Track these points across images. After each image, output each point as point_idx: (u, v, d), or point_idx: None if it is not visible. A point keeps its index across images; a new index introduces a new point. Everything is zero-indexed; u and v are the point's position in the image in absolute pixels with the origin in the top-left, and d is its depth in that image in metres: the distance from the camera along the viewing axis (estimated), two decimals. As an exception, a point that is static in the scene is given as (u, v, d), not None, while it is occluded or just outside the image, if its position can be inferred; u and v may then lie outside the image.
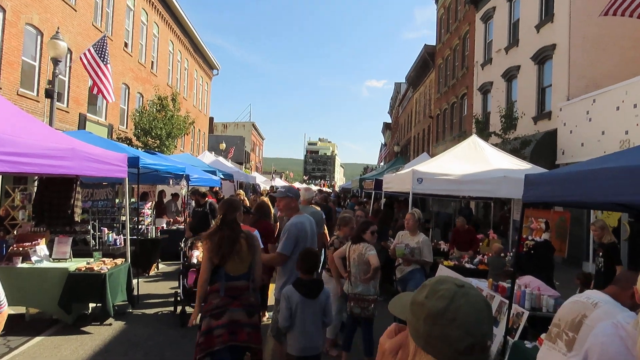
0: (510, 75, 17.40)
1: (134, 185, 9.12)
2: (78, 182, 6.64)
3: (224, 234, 3.65)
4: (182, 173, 9.77)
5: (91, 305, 6.20)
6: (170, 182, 9.79)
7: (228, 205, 3.88)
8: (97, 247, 7.45)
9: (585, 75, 13.50)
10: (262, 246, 4.54)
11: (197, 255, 7.25)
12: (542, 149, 13.37)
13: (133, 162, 7.02)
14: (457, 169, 7.80)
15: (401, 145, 36.95)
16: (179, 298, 6.57)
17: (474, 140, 9.04)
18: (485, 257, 8.08)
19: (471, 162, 8.14)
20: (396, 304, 1.20)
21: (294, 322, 3.70)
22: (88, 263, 6.02)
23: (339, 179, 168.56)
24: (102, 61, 10.45)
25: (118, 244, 7.81)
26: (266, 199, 8.03)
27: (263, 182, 30.22)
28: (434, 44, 30.09)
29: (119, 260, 6.38)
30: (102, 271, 5.74)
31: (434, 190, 7.82)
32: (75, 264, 5.95)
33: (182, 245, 7.41)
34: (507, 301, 4.84)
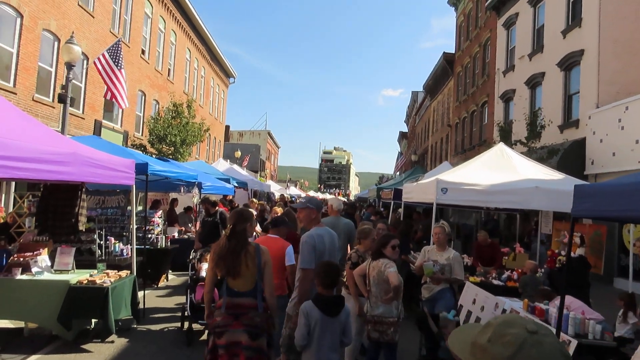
0: (534, 82, 16.79)
1: (143, 193, 8.82)
2: (83, 189, 6.32)
3: (229, 245, 3.46)
4: (194, 180, 9.44)
5: (94, 320, 5.83)
6: (182, 190, 9.46)
7: (238, 215, 3.65)
8: (103, 258, 7.12)
9: (615, 81, 12.85)
10: (292, 262, 4.31)
11: (206, 268, 6.85)
12: (569, 158, 12.73)
13: (141, 168, 6.69)
14: (484, 178, 7.29)
15: (418, 154, 36.33)
16: (186, 314, 6.17)
17: (501, 148, 8.51)
18: (514, 273, 7.51)
19: (499, 172, 7.63)
20: (455, 341, 1.09)
21: (311, 340, 3.39)
22: (91, 275, 5.67)
23: (354, 188, 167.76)
24: (117, 66, 10.24)
25: (125, 254, 7.47)
26: (279, 209, 7.65)
27: (277, 191, 29.89)
28: (453, 52, 29.54)
29: (123, 273, 6.02)
30: (105, 285, 5.38)
31: (459, 201, 7.33)
32: (78, 276, 5.60)
33: (191, 256, 7.04)
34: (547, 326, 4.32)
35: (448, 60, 29.44)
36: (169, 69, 24.40)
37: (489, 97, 21.46)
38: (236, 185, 14.41)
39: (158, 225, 9.59)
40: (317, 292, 3.55)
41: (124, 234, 9.07)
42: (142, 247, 7.76)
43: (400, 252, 6.56)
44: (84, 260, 6.63)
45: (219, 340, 3.35)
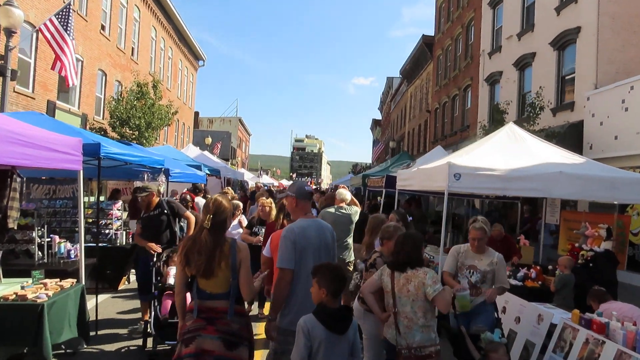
0: (523, 63, 16.00)
1: (102, 181, 7.47)
2: (15, 177, 4.97)
3: (200, 238, 3.01)
4: (160, 167, 8.11)
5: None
6: (146, 178, 8.11)
7: (217, 205, 3.14)
8: (46, 261, 5.78)
9: (615, 60, 12.13)
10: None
11: (174, 273, 5.62)
12: (566, 142, 11.88)
13: (91, 150, 5.38)
14: (500, 163, 6.29)
15: (396, 140, 35.58)
16: (149, 330, 4.95)
17: (512, 129, 7.55)
18: (532, 270, 6.59)
19: (514, 155, 6.64)
20: None
21: None
22: (22, 288, 4.37)
23: (326, 177, 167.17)
24: (67, 33, 8.72)
25: (73, 256, 6.13)
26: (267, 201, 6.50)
27: (250, 179, 28.54)
28: (432, 35, 28.65)
29: (67, 282, 4.73)
30: (39, 300, 4.09)
31: (474, 189, 6.33)
32: (3, 289, 4.29)
33: (155, 259, 5.78)
34: (629, 351, 3.33)
35: (427, 44, 28.55)
36: (132, 48, 22.54)
37: (472, 80, 20.66)
38: (208, 173, 13.07)
39: (118, 219, 8.23)
40: (320, 304, 2.84)
41: (76, 229, 7.70)
42: (96, 245, 6.43)
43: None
44: (20, 266, 5.31)
45: (186, 348, 2.91)
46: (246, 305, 3.62)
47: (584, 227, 6.79)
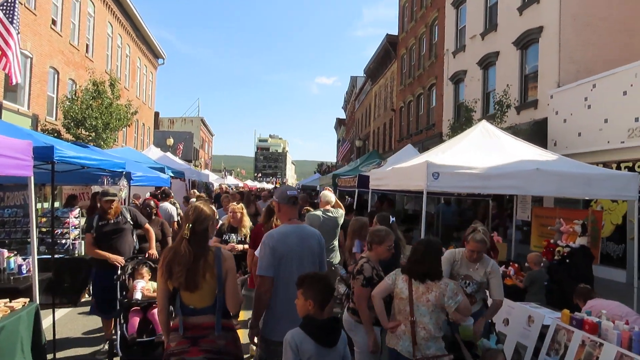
0: (487, 62, 16.26)
1: (57, 187, 6.87)
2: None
3: (180, 249, 2.81)
4: (121, 170, 7.57)
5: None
6: (106, 182, 7.56)
7: (198, 212, 2.93)
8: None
9: (576, 59, 12.46)
10: None
11: (141, 287, 5.19)
12: (530, 140, 12.12)
13: (43, 153, 4.86)
14: (477, 161, 6.21)
15: (362, 139, 35.67)
16: (115, 351, 4.51)
17: (485, 126, 7.52)
18: (510, 268, 6.55)
19: (490, 153, 6.59)
20: None
21: None
22: (-36, 311, 3.84)
23: (291, 176, 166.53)
24: (12, 26, 8.01)
25: (25, 271, 5.55)
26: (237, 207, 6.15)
27: (215, 181, 27.81)
28: (396, 34, 28.82)
29: (19, 302, 4.22)
30: (-14, 326, 3.60)
31: (452, 188, 6.21)
32: (-58, 314, 3.76)
33: (119, 272, 5.32)
34: (630, 353, 3.22)
35: (391, 43, 28.71)
36: (87, 45, 21.42)
37: (437, 79, 20.88)
38: (172, 175, 12.50)
39: (75, 228, 7.62)
40: (307, 316, 2.69)
41: (28, 240, 7.07)
42: (52, 257, 5.87)
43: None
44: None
45: None
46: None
47: (559, 223, 6.81)
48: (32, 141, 4.55)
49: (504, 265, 6.75)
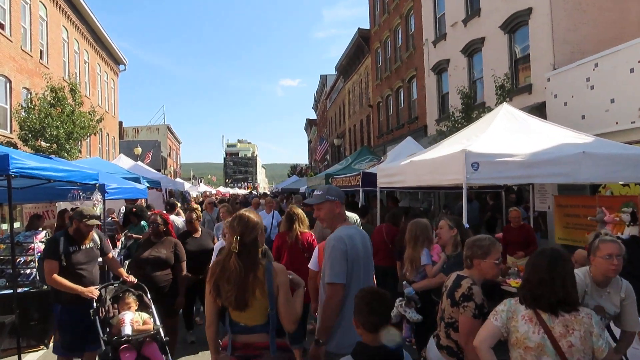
0: (472, 49, 15.70)
1: (6, 205, 5.65)
2: None
3: (229, 265, 2.53)
4: (93, 182, 6.41)
5: None
6: (75, 197, 6.38)
7: (244, 222, 2.65)
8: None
9: (569, 40, 11.98)
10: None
11: (129, 319, 4.21)
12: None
13: (-5, 164, 3.75)
14: (516, 147, 5.43)
15: (340, 138, 34.87)
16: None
17: (508, 109, 6.77)
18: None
19: (524, 138, 5.83)
20: None
21: None
22: None
23: (262, 180, 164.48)
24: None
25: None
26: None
27: (190, 189, 26.40)
28: (368, 28, 28.17)
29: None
30: None
31: (493, 179, 5.38)
32: None
33: (96, 305, 4.34)
34: None
35: (363, 37, 28.03)
36: (41, 51, 19.73)
37: (417, 70, 20.26)
38: (148, 185, 11.28)
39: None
40: (359, 342, 2.35)
41: (-16, 273, 5.84)
42: (13, 292, 4.72)
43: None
44: None
45: None
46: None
47: (601, 213, 6.09)
48: (-21, 149, 3.43)
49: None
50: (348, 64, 32.86)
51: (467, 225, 4.15)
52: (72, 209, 6.44)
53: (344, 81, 35.56)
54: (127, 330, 4.10)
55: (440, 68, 18.01)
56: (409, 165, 6.57)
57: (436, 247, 3.64)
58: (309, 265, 3.74)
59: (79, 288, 4.36)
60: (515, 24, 13.44)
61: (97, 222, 4.60)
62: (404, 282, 3.48)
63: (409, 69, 21.12)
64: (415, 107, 20.77)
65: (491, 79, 13.70)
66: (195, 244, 5.81)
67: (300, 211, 5.03)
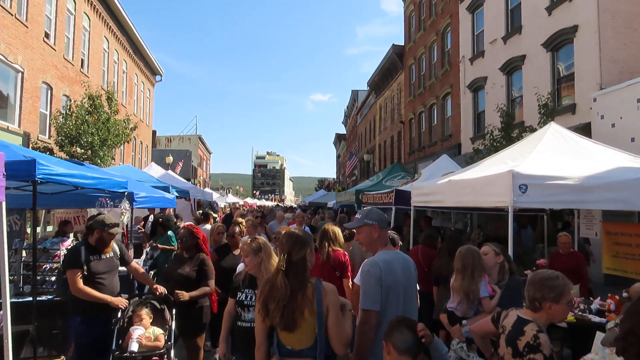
0: (512, 67, 15.22)
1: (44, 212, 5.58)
2: None
3: (277, 282, 2.50)
4: (122, 190, 6.32)
5: None
6: (104, 204, 6.30)
7: (294, 239, 2.61)
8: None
9: (617, 59, 11.42)
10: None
11: (139, 335, 4.04)
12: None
13: (22, 169, 3.64)
14: (567, 170, 5.01)
15: (370, 153, 34.51)
16: None
17: (556, 129, 6.34)
18: (611, 301, 5.28)
19: (575, 160, 5.40)
20: None
21: None
22: None
23: (289, 193, 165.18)
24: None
25: (-2, 328, 4.24)
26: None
27: (218, 199, 26.53)
28: (402, 45, 27.94)
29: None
30: None
31: (542, 203, 5.00)
32: None
33: (120, 315, 4.20)
34: None
35: (397, 54, 27.80)
36: (82, 60, 20.33)
37: (452, 87, 19.83)
38: (177, 195, 11.23)
39: (68, 261, 6.30)
40: None
41: (12, 279, 5.78)
42: (33, 300, 4.59)
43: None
44: None
45: None
46: None
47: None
48: (4, 153, 3.32)
49: (599, 297, 5.50)
50: (380, 80, 32.64)
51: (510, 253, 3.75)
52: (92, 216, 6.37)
53: (376, 97, 35.33)
54: (133, 347, 3.98)
55: (477, 85, 17.55)
56: (447, 184, 6.21)
57: (485, 277, 3.30)
58: (355, 280, 3.60)
59: (108, 297, 4.25)
60: (560, 42, 12.93)
61: (119, 230, 4.47)
62: (464, 322, 3.11)
63: (444, 86, 20.71)
64: (449, 125, 20.28)
65: (531, 97, 13.19)
66: (230, 262, 5.39)
67: (333, 229, 4.79)
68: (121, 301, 4.32)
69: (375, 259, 2.89)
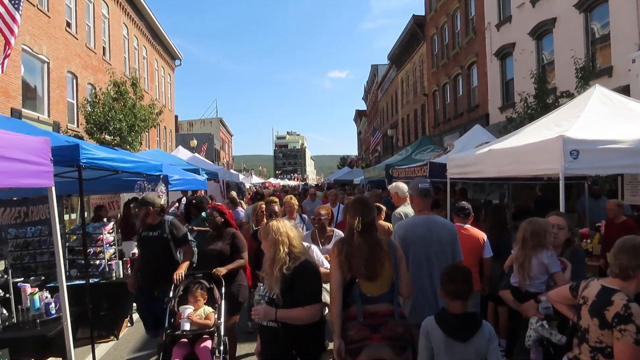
0: (541, 31, 14.58)
1: (76, 196, 5.66)
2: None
3: (354, 241, 2.88)
4: (158, 173, 6.36)
5: None
6: (140, 188, 6.35)
7: (363, 205, 3.00)
8: (16, 321, 4.02)
9: (657, 17, 10.78)
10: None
11: (188, 313, 4.09)
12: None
13: (66, 155, 3.66)
14: (618, 133, 4.76)
15: (394, 128, 34.05)
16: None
17: (602, 91, 6.04)
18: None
19: (626, 122, 5.13)
20: None
21: None
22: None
23: (310, 172, 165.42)
24: (17, 12, 6.86)
25: (54, 312, 4.31)
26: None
27: (244, 180, 26.71)
28: (422, 15, 27.13)
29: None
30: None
31: (595, 169, 4.78)
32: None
33: (172, 293, 4.26)
34: None
35: (418, 24, 27.04)
36: (103, 47, 20.46)
37: (478, 56, 19.21)
38: (207, 176, 11.31)
39: (110, 245, 6.41)
40: (443, 308, 2.72)
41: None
42: (85, 283, 4.69)
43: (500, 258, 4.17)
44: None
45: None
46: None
47: None
48: (50, 139, 3.32)
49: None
50: (401, 53, 31.92)
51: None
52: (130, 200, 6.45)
53: (397, 70, 34.64)
54: (186, 325, 4.07)
55: (505, 52, 16.94)
56: (487, 154, 6.02)
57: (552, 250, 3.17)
58: (485, 255, 4.55)
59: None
60: (593, 2, 12.28)
61: (146, 206, 4.85)
62: (542, 297, 2.99)
63: (469, 55, 20.09)
64: (476, 95, 19.74)
65: (564, 62, 12.67)
66: None
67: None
68: (180, 271, 4.51)
69: (403, 221, 3.59)
